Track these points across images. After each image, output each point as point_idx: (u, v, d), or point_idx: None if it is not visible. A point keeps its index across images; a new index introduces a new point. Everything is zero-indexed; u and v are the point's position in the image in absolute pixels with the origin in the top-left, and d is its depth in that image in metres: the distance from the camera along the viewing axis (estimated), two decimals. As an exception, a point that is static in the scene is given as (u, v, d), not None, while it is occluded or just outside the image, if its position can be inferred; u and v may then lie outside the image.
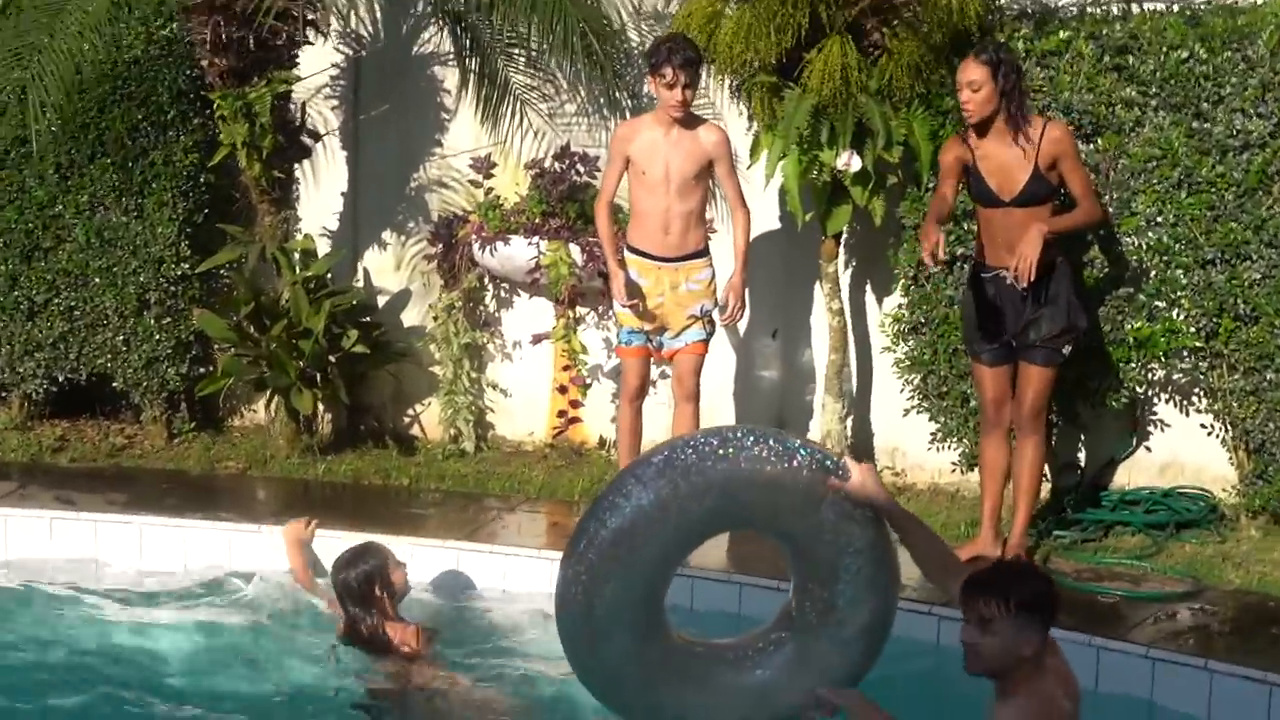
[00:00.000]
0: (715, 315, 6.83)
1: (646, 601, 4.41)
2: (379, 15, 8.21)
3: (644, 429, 6.96)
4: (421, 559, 6.63)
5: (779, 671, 4.54)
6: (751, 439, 4.37)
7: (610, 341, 7.75)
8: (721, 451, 4.33)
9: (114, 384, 8.22)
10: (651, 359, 6.93)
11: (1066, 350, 6.30)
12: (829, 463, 4.40)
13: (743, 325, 7.81)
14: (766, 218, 7.72)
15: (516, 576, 6.57)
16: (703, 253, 6.77)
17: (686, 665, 4.52)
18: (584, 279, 7.63)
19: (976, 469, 6.90)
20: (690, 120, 6.67)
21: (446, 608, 6.47)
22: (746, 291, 6.82)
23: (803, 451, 4.38)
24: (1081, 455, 7.45)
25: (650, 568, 4.38)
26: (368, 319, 8.11)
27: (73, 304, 8.05)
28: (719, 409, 7.94)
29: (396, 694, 5.75)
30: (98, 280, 7.99)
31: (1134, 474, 7.38)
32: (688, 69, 6.52)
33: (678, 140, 6.63)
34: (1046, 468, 7.30)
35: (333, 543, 6.62)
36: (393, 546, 6.60)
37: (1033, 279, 6.10)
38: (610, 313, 7.50)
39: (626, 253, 6.72)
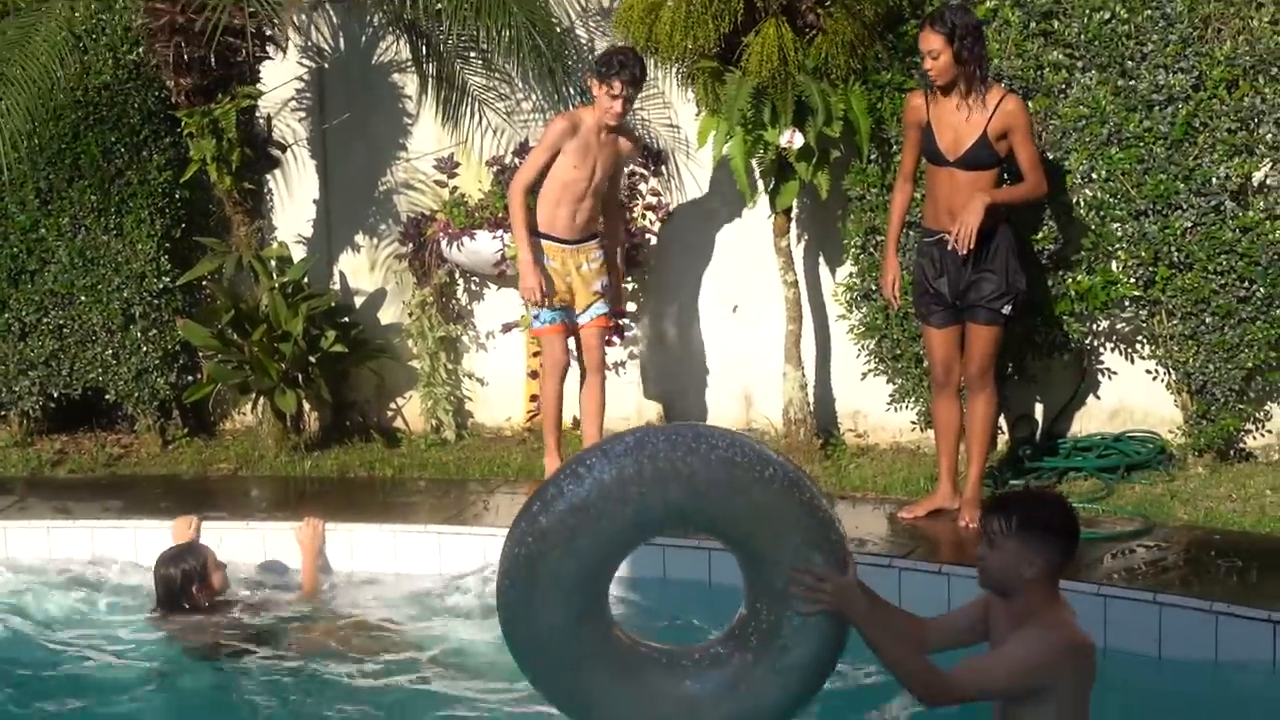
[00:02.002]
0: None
1: (589, 579, 4.15)
2: (337, 28, 8.21)
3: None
4: (405, 545, 6.65)
5: (708, 688, 4.21)
6: (727, 441, 4.10)
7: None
8: (695, 445, 4.06)
9: (107, 397, 8.24)
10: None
11: (1007, 310, 6.27)
12: (802, 481, 4.14)
13: (705, 303, 7.86)
14: (717, 199, 7.73)
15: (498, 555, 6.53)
16: (595, 234, 6.97)
17: (616, 657, 4.23)
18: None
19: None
20: (616, 125, 6.82)
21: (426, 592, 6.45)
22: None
23: (775, 466, 4.10)
24: (1037, 407, 7.46)
25: (600, 545, 4.12)
26: (345, 319, 8.12)
27: (61, 322, 8.07)
28: (686, 386, 7.96)
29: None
30: (84, 298, 8.00)
31: (1086, 422, 7.40)
32: (634, 86, 6.73)
33: (605, 143, 6.81)
34: (1003, 420, 7.34)
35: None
36: (378, 534, 6.69)
37: (973, 246, 6.09)
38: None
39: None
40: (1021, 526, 3.96)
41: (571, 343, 7.08)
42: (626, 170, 7.60)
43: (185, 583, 6.04)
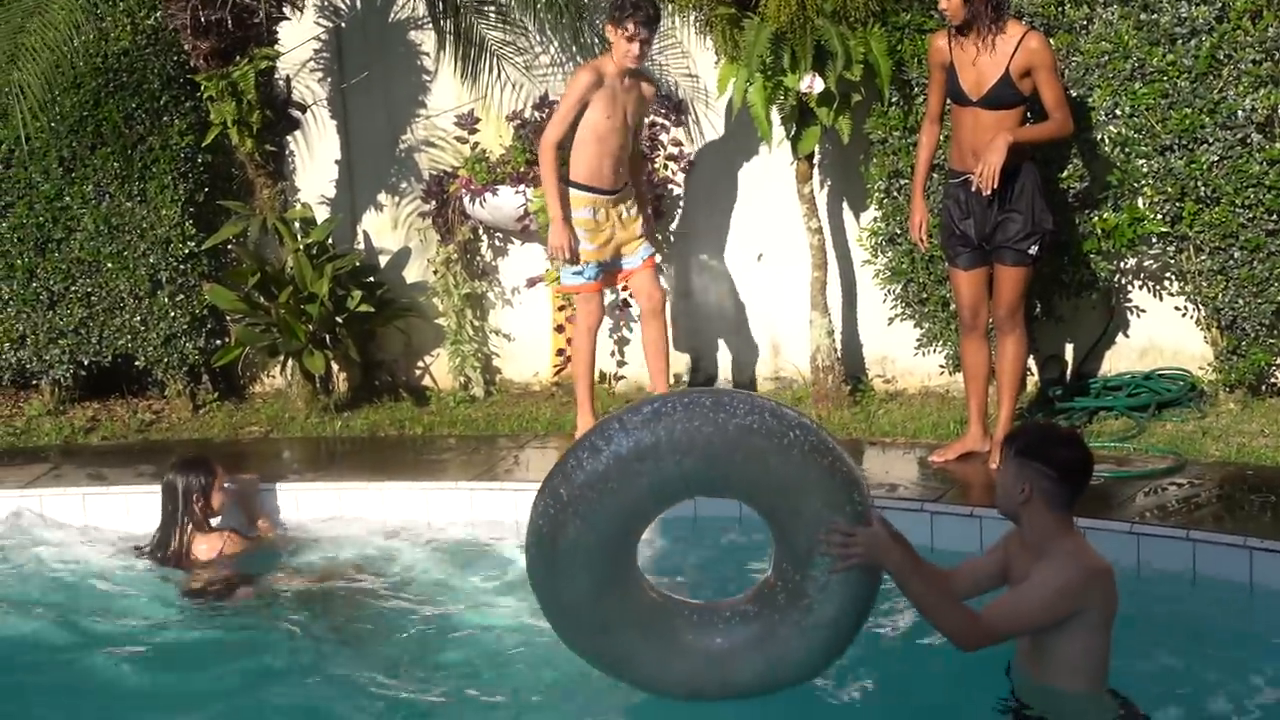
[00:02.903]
0: None
1: (611, 548, 4.18)
2: (353, -15, 8.17)
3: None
4: (437, 501, 6.63)
5: (736, 645, 4.25)
6: (747, 408, 4.08)
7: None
8: (713, 414, 4.06)
9: (137, 363, 8.23)
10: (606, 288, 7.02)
11: (1033, 250, 6.19)
12: (824, 445, 4.11)
13: (731, 252, 7.81)
14: (740, 146, 7.66)
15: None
16: (627, 182, 6.89)
17: (644, 617, 4.27)
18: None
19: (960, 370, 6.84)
20: (635, 70, 6.72)
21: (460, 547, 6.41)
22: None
23: (796, 431, 4.08)
24: (1067, 347, 7.39)
25: (620, 516, 4.15)
26: (371, 279, 8.08)
27: (89, 290, 8.06)
28: (713, 336, 7.92)
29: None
30: (110, 265, 7.98)
31: (1115, 360, 7.33)
32: (649, 26, 6.61)
33: (630, 88, 6.73)
34: (1032, 361, 7.28)
35: (356, 494, 6.67)
36: (409, 491, 6.67)
37: (996, 186, 6.01)
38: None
39: (575, 191, 6.71)
40: (1019, 452, 4.11)
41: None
42: (647, 121, 7.54)
43: (188, 493, 6.16)
